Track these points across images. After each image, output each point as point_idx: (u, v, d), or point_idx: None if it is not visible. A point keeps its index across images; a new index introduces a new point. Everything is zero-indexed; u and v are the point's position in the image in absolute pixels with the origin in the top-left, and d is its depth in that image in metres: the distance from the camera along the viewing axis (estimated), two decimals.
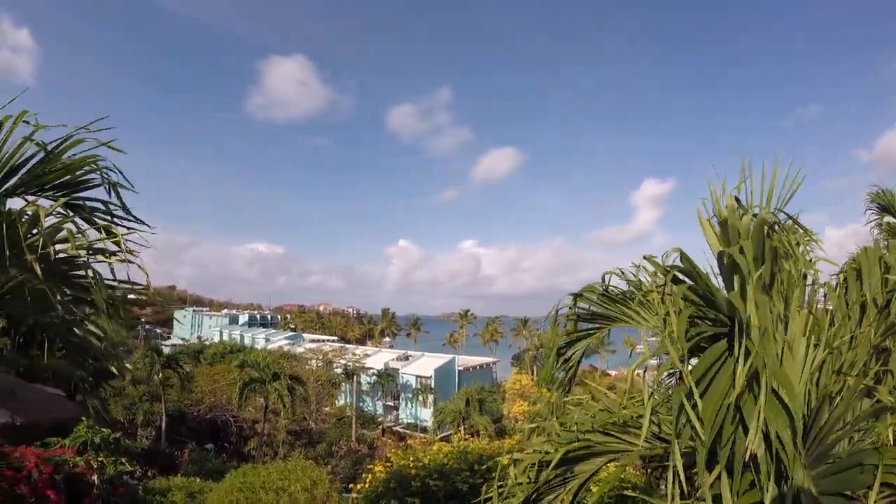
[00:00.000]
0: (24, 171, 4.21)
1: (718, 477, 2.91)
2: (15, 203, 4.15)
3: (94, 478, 11.38)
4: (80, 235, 4.03)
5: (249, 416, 45.12)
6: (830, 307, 4.03)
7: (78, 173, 4.34)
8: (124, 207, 4.51)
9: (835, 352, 3.58)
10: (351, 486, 11.38)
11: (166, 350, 48.01)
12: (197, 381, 48.86)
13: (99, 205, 4.52)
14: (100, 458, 11.43)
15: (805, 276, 3.89)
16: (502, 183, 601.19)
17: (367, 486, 10.24)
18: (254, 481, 11.38)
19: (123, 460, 12.19)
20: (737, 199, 3.88)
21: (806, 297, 3.83)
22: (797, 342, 3.53)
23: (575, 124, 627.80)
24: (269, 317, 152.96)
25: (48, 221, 3.90)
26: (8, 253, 3.71)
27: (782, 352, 3.41)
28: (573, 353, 5.03)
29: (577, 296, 4.83)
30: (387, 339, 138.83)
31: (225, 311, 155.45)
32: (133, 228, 4.48)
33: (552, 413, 4.70)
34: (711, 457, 2.92)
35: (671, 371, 4.97)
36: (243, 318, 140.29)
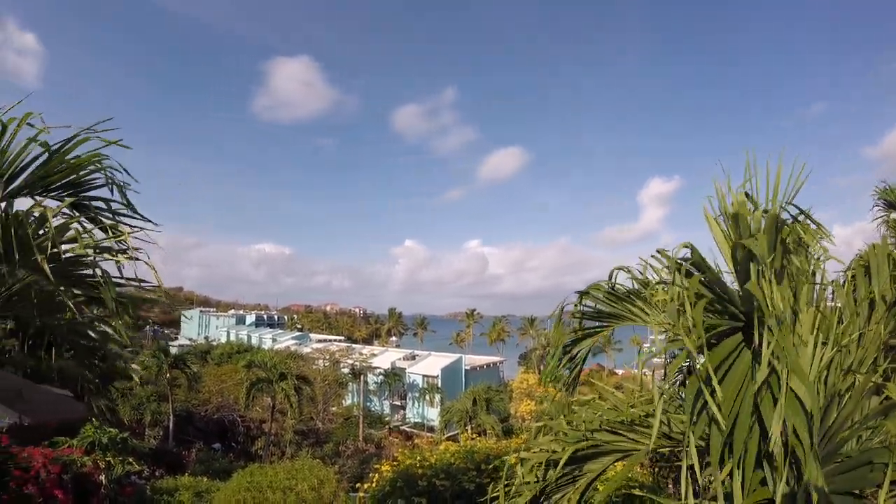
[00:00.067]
0: (28, 171, 4.22)
1: (729, 473, 2.89)
2: (21, 204, 4.16)
3: (102, 477, 11.41)
4: (86, 235, 4.04)
5: (257, 416, 45.18)
6: (839, 305, 4.00)
7: (82, 173, 4.34)
8: (129, 205, 4.52)
9: (843, 350, 3.55)
10: (358, 485, 11.36)
11: (174, 350, 48.13)
12: (204, 382, 48.94)
13: (104, 204, 4.53)
14: (107, 458, 11.46)
15: (814, 274, 3.86)
16: (508, 182, 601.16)
17: (374, 485, 10.22)
18: (261, 481, 11.39)
19: (131, 460, 12.21)
20: (747, 195, 3.86)
21: (815, 294, 3.81)
22: (805, 340, 3.50)
23: (580, 123, 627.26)
24: (275, 317, 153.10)
25: (54, 222, 3.91)
26: (17, 254, 3.70)
27: (794, 348, 3.38)
28: (579, 352, 5.01)
29: (582, 294, 4.81)
30: (393, 338, 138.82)
31: (232, 311, 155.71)
32: (139, 227, 4.49)
33: (559, 412, 4.69)
34: (724, 450, 2.89)
35: (681, 367, 4.97)
36: (250, 318, 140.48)
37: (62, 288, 4.17)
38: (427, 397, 62.86)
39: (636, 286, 4.69)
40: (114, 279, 4.25)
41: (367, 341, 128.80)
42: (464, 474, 9.15)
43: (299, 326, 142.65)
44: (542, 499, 4.10)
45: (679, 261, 3.76)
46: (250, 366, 39.71)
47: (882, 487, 2.67)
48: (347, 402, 61.43)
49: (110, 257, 4.17)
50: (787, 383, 2.80)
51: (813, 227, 4.04)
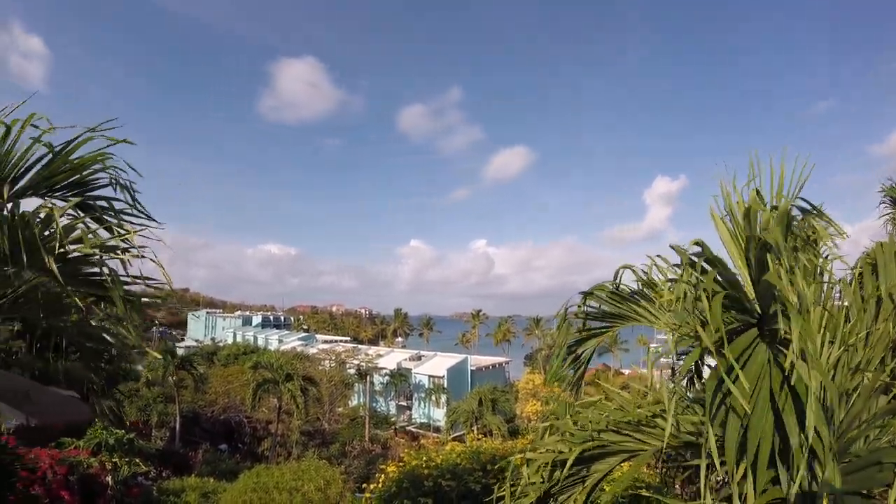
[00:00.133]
0: (33, 172, 4.23)
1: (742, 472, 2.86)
2: (26, 205, 4.17)
3: (109, 478, 11.44)
4: (91, 235, 4.04)
5: (263, 417, 45.29)
6: (846, 303, 3.98)
7: (86, 173, 4.35)
8: (134, 200, 4.52)
9: (850, 349, 3.53)
10: (364, 485, 11.37)
11: (180, 352, 48.24)
12: (211, 383, 49.04)
13: (111, 203, 4.53)
14: (114, 459, 11.49)
15: (821, 273, 3.84)
16: (514, 182, 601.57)
17: (379, 485, 10.21)
18: (267, 481, 11.40)
19: (137, 461, 12.24)
20: (757, 192, 3.83)
21: (822, 293, 3.78)
22: (812, 338, 3.47)
23: (586, 123, 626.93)
24: (282, 318, 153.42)
25: (60, 222, 3.91)
26: (25, 255, 3.71)
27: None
28: (583, 352, 4.99)
29: (586, 294, 4.79)
30: (399, 339, 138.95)
31: (238, 312, 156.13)
32: (144, 225, 4.49)
33: (566, 412, 4.67)
34: (740, 447, 2.86)
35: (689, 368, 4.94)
36: (256, 319, 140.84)
37: (70, 288, 4.17)
38: (433, 398, 62.88)
39: (641, 286, 4.67)
40: (121, 277, 4.26)
41: (373, 342, 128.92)
42: (470, 475, 9.14)
43: (305, 327, 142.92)
44: (548, 499, 4.08)
45: (691, 256, 3.73)
46: (256, 367, 39.76)
47: (892, 487, 2.64)
48: (353, 402, 61.48)
49: (116, 256, 4.17)
50: (810, 378, 2.76)
51: (822, 223, 4.02)
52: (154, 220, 4.58)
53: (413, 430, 61.31)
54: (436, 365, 67.77)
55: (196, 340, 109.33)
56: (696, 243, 3.68)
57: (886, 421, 3.19)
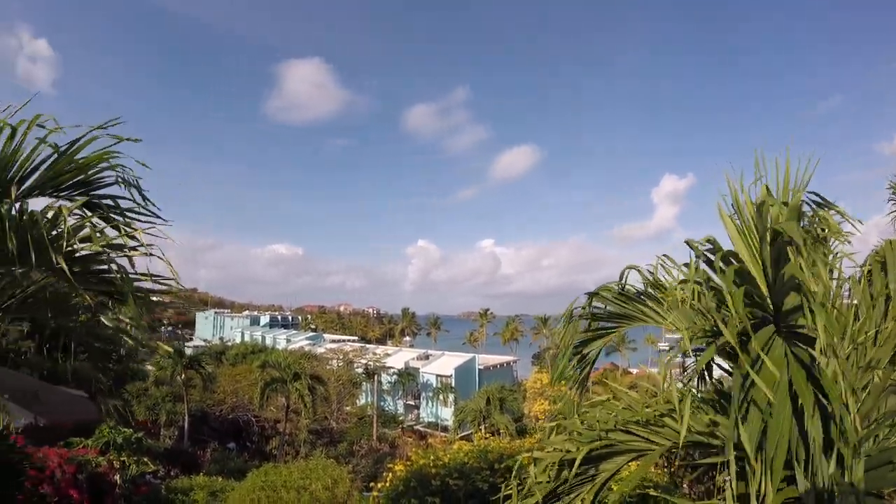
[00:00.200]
0: (39, 172, 4.24)
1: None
2: (34, 205, 4.18)
3: (117, 477, 11.47)
4: (99, 234, 4.05)
5: (271, 416, 45.31)
6: (855, 301, 3.94)
7: (91, 172, 4.35)
8: (144, 199, 4.53)
9: (859, 347, 3.49)
10: (372, 484, 11.37)
11: (189, 351, 48.37)
12: (219, 382, 49.11)
13: (116, 202, 4.54)
14: (122, 458, 11.52)
15: (831, 271, 3.80)
16: (521, 181, 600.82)
17: (387, 484, 10.21)
18: (275, 480, 11.40)
19: (146, 460, 12.27)
20: (767, 189, 3.80)
21: (832, 290, 3.75)
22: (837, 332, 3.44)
23: (593, 121, 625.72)
24: (289, 318, 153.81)
25: (68, 222, 3.92)
26: (34, 255, 3.72)
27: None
28: (589, 352, 4.97)
29: (592, 295, 4.77)
30: (407, 338, 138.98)
31: (246, 312, 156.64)
32: (151, 223, 4.50)
33: (573, 411, 4.65)
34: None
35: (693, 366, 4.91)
36: (264, 319, 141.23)
37: (80, 287, 4.19)
38: (441, 397, 62.92)
39: (646, 286, 4.65)
40: (130, 275, 4.27)
41: (381, 341, 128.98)
42: (477, 474, 9.12)
43: (313, 327, 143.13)
44: (554, 499, 4.06)
45: (706, 253, 3.70)
46: (265, 366, 39.84)
47: None
48: (361, 401, 61.53)
49: (124, 254, 4.18)
50: (840, 371, 2.72)
51: (833, 218, 3.97)
52: (161, 218, 4.59)
53: (421, 429, 61.33)
54: (443, 364, 67.78)
55: (204, 340, 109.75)
56: (709, 240, 3.66)
57: None
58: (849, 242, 3.95)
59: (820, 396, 2.80)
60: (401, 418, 63.05)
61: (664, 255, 4.46)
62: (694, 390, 4.52)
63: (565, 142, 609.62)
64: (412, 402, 68.13)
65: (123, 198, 4.51)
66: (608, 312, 4.85)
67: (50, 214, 3.94)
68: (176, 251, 4.71)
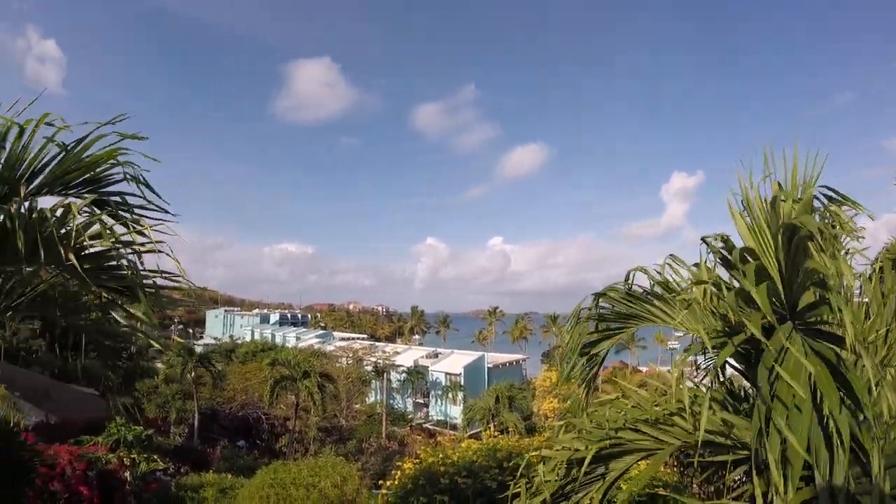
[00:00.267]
0: (47, 170, 4.25)
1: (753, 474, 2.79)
2: (44, 204, 4.19)
3: (127, 474, 11.51)
4: (109, 231, 4.05)
5: (281, 414, 45.45)
6: (866, 299, 3.90)
7: (99, 169, 4.36)
8: (152, 191, 4.53)
9: (870, 346, 3.45)
10: (381, 482, 11.37)
11: (199, 349, 48.54)
12: (229, 380, 49.29)
13: (125, 198, 4.55)
14: (132, 455, 11.56)
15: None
16: (530, 179, 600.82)
17: (396, 482, 10.20)
18: (284, 478, 11.42)
19: (155, 457, 12.31)
20: (779, 185, 3.76)
21: (843, 287, 3.70)
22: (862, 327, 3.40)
23: (602, 119, 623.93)
24: (299, 316, 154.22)
25: (77, 220, 3.93)
26: (43, 252, 3.72)
27: None
28: (597, 353, 4.94)
29: (599, 295, 4.73)
30: (416, 336, 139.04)
31: (256, 310, 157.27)
32: (159, 220, 4.50)
33: (581, 410, 4.62)
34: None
35: (707, 366, 4.86)
36: (274, 317, 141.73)
37: (90, 284, 4.19)
38: (450, 395, 62.92)
39: (653, 286, 4.61)
40: (140, 271, 4.28)
41: (390, 339, 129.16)
42: (486, 472, 9.10)
43: (322, 325, 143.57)
44: (562, 497, 4.04)
45: (722, 251, 3.66)
46: (274, 364, 39.93)
47: None
48: (371, 399, 61.64)
49: (134, 250, 4.19)
50: (868, 365, 2.66)
51: (845, 214, 3.92)
52: (169, 213, 4.59)
53: (430, 427, 61.36)
54: (453, 362, 67.79)
55: (214, 338, 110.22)
56: (723, 238, 3.62)
57: None
58: (862, 238, 3.90)
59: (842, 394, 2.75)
60: (410, 416, 63.09)
61: (671, 255, 4.42)
62: (704, 389, 4.48)
63: (574, 140, 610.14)
64: (421, 401, 68.19)
65: (132, 194, 4.52)
66: (615, 313, 4.81)
67: (59, 212, 3.95)
68: (186, 250, 4.73)
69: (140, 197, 4.51)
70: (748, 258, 3.52)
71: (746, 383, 4.18)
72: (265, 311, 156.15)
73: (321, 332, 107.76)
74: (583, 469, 3.79)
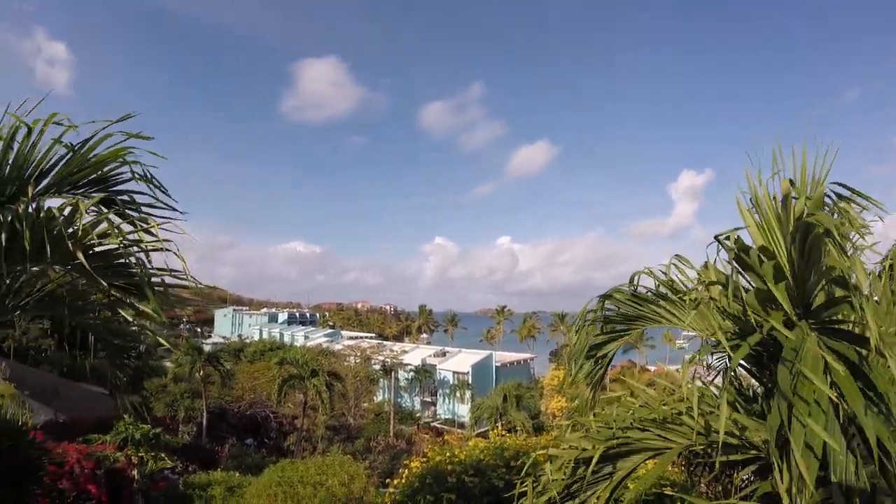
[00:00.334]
0: (56, 170, 4.26)
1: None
2: (53, 204, 4.21)
3: (135, 473, 11.55)
4: (116, 229, 4.06)
5: (289, 412, 45.58)
6: (875, 298, 3.85)
7: (107, 169, 4.37)
8: (160, 189, 4.53)
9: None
10: (388, 480, 11.38)
11: (207, 348, 48.68)
12: (237, 379, 49.46)
13: (133, 197, 4.56)
14: (140, 454, 11.60)
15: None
16: (537, 178, 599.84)
17: (403, 481, 10.19)
18: (292, 476, 11.44)
19: (163, 455, 12.35)
20: (791, 182, 3.72)
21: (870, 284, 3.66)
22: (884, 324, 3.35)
23: (610, 117, 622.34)
24: (307, 315, 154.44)
25: (83, 220, 3.94)
26: (49, 251, 3.73)
27: None
28: (603, 355, 4.91)
29: (604, 297, 4.69)
30: (424, 335, 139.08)
31: (264, 309, 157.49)
32: (166, 218, 4.51)
33: (588, 409, 4.60)
34: (785, 443, 2.72)
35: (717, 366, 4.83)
36: (282, 316, 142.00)
37: (99, 282, 4.20)
38: (457, 394, 62.91)
39: (658, 286, 4.58)
40: (148, 270, 4.29)
41: (398, 338, 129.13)
42: (493, 471, 9.08)
43: (331, 324, 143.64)
44: (569, 496, 4.02)
45: (738, 251, 3.63)
46: (282, 363, 40.04)
47: None
48: (378, 398, 61.73)
49: (141, 248, 4.19)
50: (893, 365, 2.61)
51: (854, 211, 3.87)
52: (178, 211, 4.60)
53: (437, 425, 61.39)
54: (460, 361, 67.78)
55: (223, 337, 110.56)
56: (735, 241, 3.58)
57: None
58: (870, 233, 3.86)
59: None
60: (418, 415, 63.14)
61: (677, 255, 4.38)
62: (714, 389, 4.45)
63: (581, 138, 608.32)
64: (429, 399, 68.20)
65: (141, 193, 4.53)
66: (621, 315, 4.78)
67: (67, 211, 3.96)
68: (195, 249, 4.74)
69: (149, 195, 4.53)
70: (763, 258, 3.48)
71: (754, 382, 4.15)
72: (273, 310, 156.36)
73: (329, 330, 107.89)
74: (590, 468, 3.77)
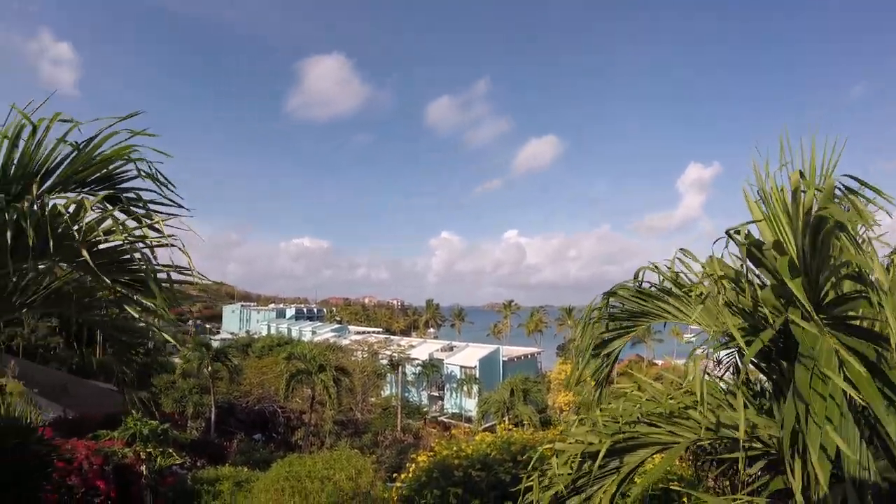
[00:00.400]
0: (61, 169, 4.27)
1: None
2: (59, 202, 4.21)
3: (143, 468, 11.59)
4: (121, 226, 4.06)
5: (297, 407, 45.72)
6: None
7: (112, 167, 4.37)
8: (166, 185, 4.53)
9: None
10: (395, 475, 11.39)
11: (215, 344, 48.87)
12: (245, 374, 49.64)
13: (139, 194, 4.56)
14: (148, 449, 11.63)
15: None
16: (545, 172, 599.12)
17: (410, 475, 10.21)
18: (300, 470, 11.45)
19: (171, 451, 12.37)
20: (801, 174, 3.68)
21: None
22: None
23: (617, 111, 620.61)
24: (315, 310, 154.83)
25: (88, 217, 3.95)
26: (53, 248, 3.73)
27: None
28: (610, 352, 4.89)
29: (608, 295, 4.66)
30: (431, 330, 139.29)
31: (272, 305, 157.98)
32: (172, 214, 4.51)
33: (595, 403, 4.58)
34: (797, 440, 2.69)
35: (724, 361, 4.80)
36: (290, 311, 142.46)
37: (104, 278, 4.21)
38: (465, 388, 62.97)
39: (662, 281, 4.54)
40: (154, 265, 4.29)
41: (405, 333, 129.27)
42: (500, 465, 9.08)
43: (338, 319, 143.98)
44: (575, 491, 4.01)
45: (751, 247, 3.59)
46: (290, 358, 40.14)
47: None
48: (386, 392, 61.87)
49: (146, 245, 4.20)
50: None
51: (861, 204, 3.83)
52: (184, 208, 4.60)
53: (445, 420, 61.49)
54: (468, 355, 67.83)
55: (231, 333, 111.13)
56: (746, 236, 3.55)
57: None
58: (878, 225, 3.82)
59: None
60: (425, 409, 63.22)
61: (682, 249, 4.35)
62: (722, 384, 4.43)
63: (588, 132, 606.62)
64: (436, 394, 68.30)
65: (148, 190, 4.53)
66: (627, 311, 4.75)
67: (72, 208, 3.96)
68: (203, 247, 4.75)
69: (155, 193, 4.53)
70: (776, 253, 3.44)
71: (762, 377, 4.12)
72: (281, 305, 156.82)
73: (337, 326, 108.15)
74: (597, 463, 3.76)
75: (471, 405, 60.06)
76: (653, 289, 4.57)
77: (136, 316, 4.95)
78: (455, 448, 10.07)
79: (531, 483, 4.13)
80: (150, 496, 11.73)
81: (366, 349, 65.54)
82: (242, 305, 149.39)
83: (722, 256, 3.94)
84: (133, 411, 11.68)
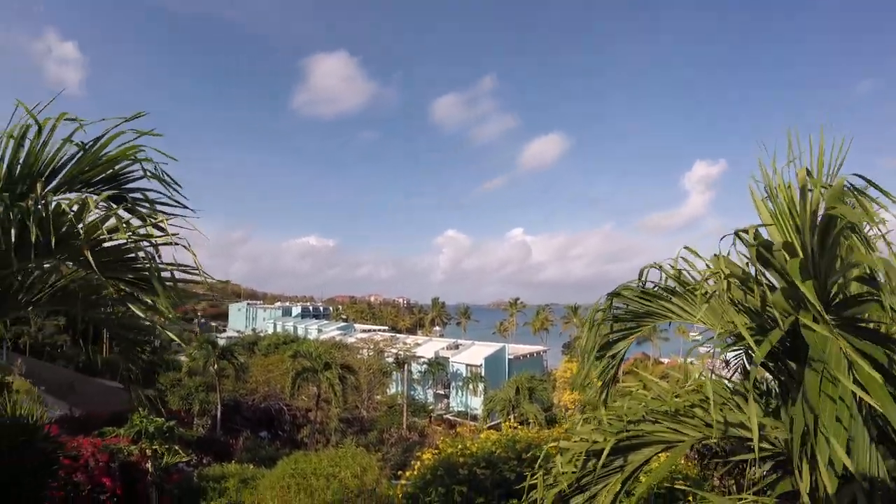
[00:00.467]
0: (67, 168, 4.27)
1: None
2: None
3: (149, 465, 11.63)
4: (125, 224, 4.06)
5: (302, 405, 45.78)
6: None
7: (118, 167, 4.38)
8: (171, 184, 4.53)
9: None
10: (401, 472, 11.40)
11: (221, 342, 48.97)
12: (251, 372, 49.77)
13: (145, 194, 4.56)
14: (154, 447, 11.66)
15: None
16: (550, 170, 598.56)
17: (415, 472, 10.21)
18: (305, 468, 11.47)
19: (177, 448, 12.41)
20: (808, 172, 3.64)
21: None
22: None
23: (623, 108, 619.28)
24: (321, 308, 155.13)
25: (93, 216, 3.95)
26: (56, 246, 3.73)
27: None
28: (615, 353, 4.86)
29: (612, 296, 4.63)
30: (437, 328, 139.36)
31: (278, 303, 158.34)
32: (177, 214, 4.51)
33: (600, 402, 4.57)
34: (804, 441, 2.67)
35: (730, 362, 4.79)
36: (296, 309, 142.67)
37: (108, 277, 4.21)
38: (470, 386, 62.92)
39: (666, 280, 4.51)
40: (158, 264, 4.29)
41: (411, 331, 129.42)
42: (505, 463, 9.07)
43: (344, 317, 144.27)
44: (579, 489, 3.99)
45: (758, 246, 3.56)
46: (296, 356, 40.21)
47: None
48: (391, 390, 61.87)
49: (151, 243, 4.20)
50: None
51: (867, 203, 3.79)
52: (189, 208, 4.60)
53: (450, 418, 61.47)
54: (473, 354, 67.82)
55: (237, 331, 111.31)
56: (755, 236, 3.52)
57: None
58: (884, 223, 3.78)
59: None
60: (430, 407, 63.22)
61: (686, 248, 4.31)
62: (728, 383, 4.41)
63: (593, 130, 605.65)
64: (442, 392, 68.31)
65: (154, 190, 4.54)
66: (631, 312, 4.71)
67: (76, 207, 3.96)
68: (209, 246, 4.73)
69: (161, 192, 4.54)
70: (786, 254, 3.41)
71: (768, 376, 4.10)
72: (287, 303, 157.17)
73: (342, 324, 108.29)
74: (601, 461, 3.74)
75: (476, 403, 60.00)
76: (656, 289, 4.53)
77: (141, 314, 4.94)
78: (460, 446, 10.05)
79: (535, 481, 4.12)
80: (156, 493, 11.77)
81: (371, 347, 65.53)
82: (249, 304, 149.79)
83: (728, 254, 3.90)
84: (139, 409, 11.71)
